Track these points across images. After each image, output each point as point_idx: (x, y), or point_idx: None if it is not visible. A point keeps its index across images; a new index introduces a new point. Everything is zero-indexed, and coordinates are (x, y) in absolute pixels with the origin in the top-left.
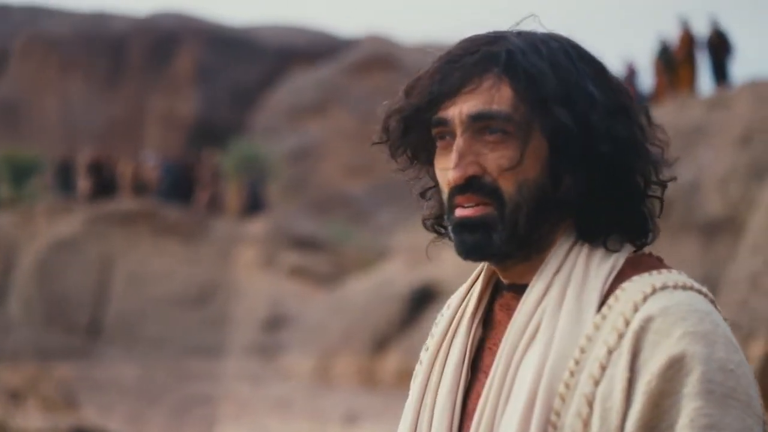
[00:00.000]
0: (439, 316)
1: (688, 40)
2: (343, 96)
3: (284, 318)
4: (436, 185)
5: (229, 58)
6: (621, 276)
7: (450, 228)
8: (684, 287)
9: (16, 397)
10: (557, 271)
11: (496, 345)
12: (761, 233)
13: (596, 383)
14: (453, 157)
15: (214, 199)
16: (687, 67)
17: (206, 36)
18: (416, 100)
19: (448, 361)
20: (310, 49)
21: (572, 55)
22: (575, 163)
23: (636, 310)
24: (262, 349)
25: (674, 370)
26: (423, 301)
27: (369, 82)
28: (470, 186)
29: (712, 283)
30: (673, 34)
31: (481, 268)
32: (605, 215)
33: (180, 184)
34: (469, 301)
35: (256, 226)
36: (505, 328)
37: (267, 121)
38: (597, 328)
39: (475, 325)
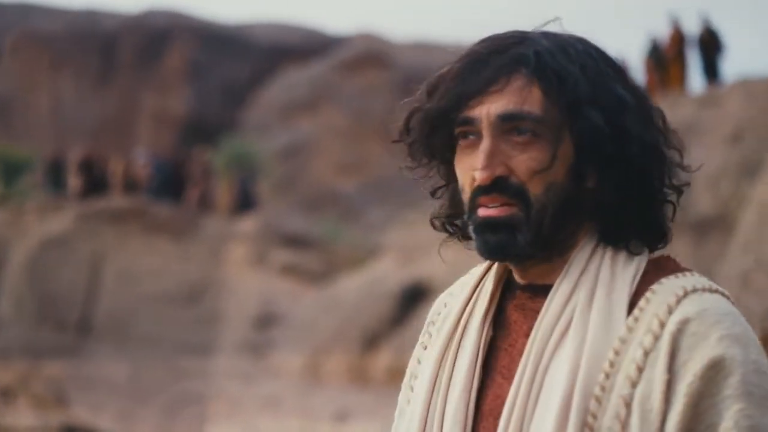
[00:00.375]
0: (434, 315)
1: (678, 38)
2: (335, 94)
3: (275, 316)
4: (447, 184)
5: (220, 56)
6: (645, 278)
7: (471, 227)
8: (710, 290)
9: (6, 395)
10: (582, 273)
11: (512, 346)
12: (752, 231)
13: (633, 385)
14: (480, 157)
15: (204, 196)
16: (677, 65)
17: (198, 33)
18: (441, 99)
19: (458, 361)
20: (301, 47)
21: (596, 57)
22: (603, 165)
23: (670, 312)
24: (253, 347)
25: (714, 371)
26: (414, 299)
27: (360, 80)
28: (496, 186)
29: None
30: (663, 32)
31: (486, 267)
32: (629, 218)
33: (171, 182)
34: (477, 300)
35: (247, 224)
36: (521, 328)
37: (258, 119)
38: (630, 330)
39: (487, 326)
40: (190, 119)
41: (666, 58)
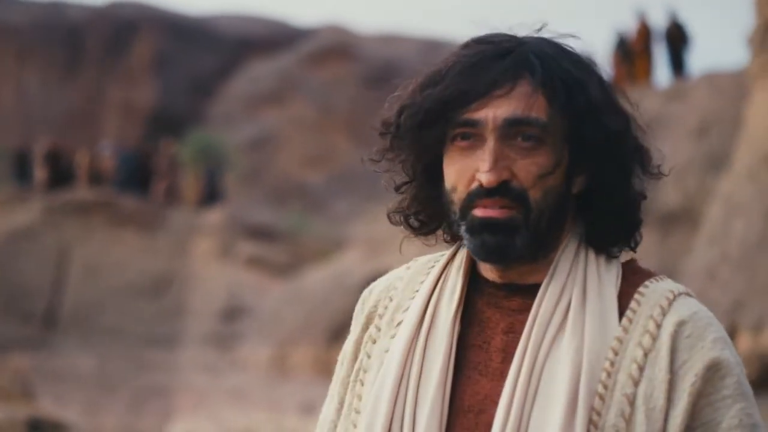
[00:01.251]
0: (379, 308)
1: (645, 31)
2: (301, 86)
3: (241, 308)
4: (412, 180)
5: (186, 48)
6: (624, 281)
7: (464, 228)
8: (688, 294)
9: None
10: (569, 274)
11: (487, 342)
12: (718, 225)
13: (636, 383)
14: (487, 160)
15: (171, 188)
16: (644, 59)
17: (164, 25)
18: (443, 95)
19: (429, 357)
20: (267, 39)
21: (587, 64)
22: (606, 170)
23: (664, 314)
24: (219, 340)
25: (712, 372)
26: None
27: (326, 72)
28: (499, 190)
29: (669, 275)
30: (630, 26)
31: (445, 261)
32: (614, 222)
33: (137, 174)
34: (441, 295)
35: (213, 216)
36: (498, 325)
37: (225, 111)
38: (625, 330)
39: (458, 322)
40: (156, 111)
41: (633, 52)
